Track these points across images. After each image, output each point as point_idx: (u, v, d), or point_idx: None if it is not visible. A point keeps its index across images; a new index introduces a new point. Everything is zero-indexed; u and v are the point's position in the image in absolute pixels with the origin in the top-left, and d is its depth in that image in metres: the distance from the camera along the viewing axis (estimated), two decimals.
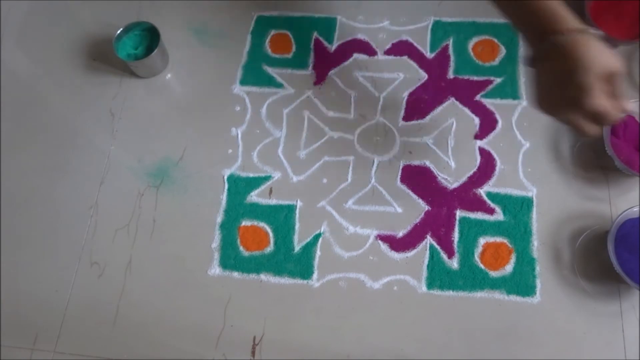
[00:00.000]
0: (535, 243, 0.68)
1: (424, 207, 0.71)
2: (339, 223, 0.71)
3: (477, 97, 0.77)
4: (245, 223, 0.71)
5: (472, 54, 0.80)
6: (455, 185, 0.72)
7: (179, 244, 0.71)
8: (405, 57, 0.80)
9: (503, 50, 0.80)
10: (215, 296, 0.68)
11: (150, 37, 0.80)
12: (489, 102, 0.76)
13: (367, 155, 0.74)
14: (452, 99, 0.77)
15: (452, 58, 0.79)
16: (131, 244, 0.71)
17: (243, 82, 0.80)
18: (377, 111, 0.77)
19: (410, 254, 0.69)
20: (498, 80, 0.78)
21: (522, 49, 0.79)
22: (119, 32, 0.78)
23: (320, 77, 0.79)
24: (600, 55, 0.50)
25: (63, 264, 0.71)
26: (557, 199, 0.70)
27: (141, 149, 0.76)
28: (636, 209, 0.65)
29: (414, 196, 0.72)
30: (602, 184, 0.71)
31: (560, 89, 0.52)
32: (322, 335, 0.65)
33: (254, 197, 0.73)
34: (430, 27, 0.82)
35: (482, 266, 0.68)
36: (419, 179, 0.73)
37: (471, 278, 0.67)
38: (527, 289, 0.66)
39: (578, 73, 0.50)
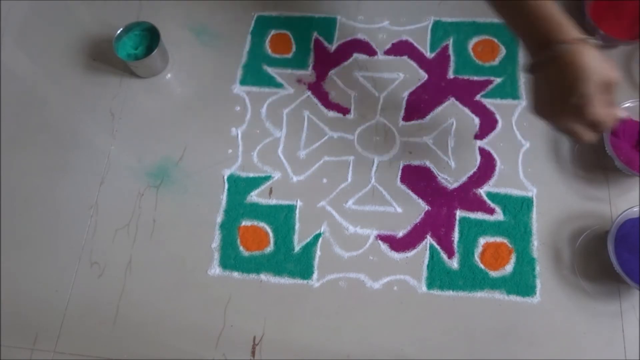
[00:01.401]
0: (535, 243, 0.68)
1: (424, 207, 0.71)
2: (339, 223, 0.71)
3: (477, 97, 0.77)
4: (245, 223, 0.71)
5: (472, 54, 0.80)
6: (455, 185, 0.72)
7: (179, 244, 0.71)
8: (405, 57, 0.80)
9: (503, 50, 0.80)
10: (215, 296, 0.68)
11: (150, 37, 0.80)
12: (489, 102, 0.76)
13: (367, 155, 0.74)
14: (452, 99, 0.77)
15: (452, 58, 0.79)
16: (131, 244, 0.71)
17: (243, 82, 0.80)
18: (377, 111, 0.77)
19: (410, 254, 0.69)
20: (498, 80, 0.78)
21: (523, 55, 0.79)
22: (119, 32, 0.78)
23: (320, 77, 0.79)
24: (600, 65, 0.51)
25: (63, 264, 0.71)
26: (557, 199, 0.70)
27: (141, 149, 0.76)
28: (636, 209, 0.65)
29: (414, 196, 0.72)
30: (602, 184, 0.71)
31: (560, 97, 0.53)
32: (322, 335, 0.65)
33: (254, 197, 0.73)
34: (430, 27, 0.82)
35: (482, 266, 0.68)
36: (419, 179, 0.73)
37: (471, 278, 0.67)
38: (527, 289, 0.66)
39: (580, 82, 0.51)
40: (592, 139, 0.55)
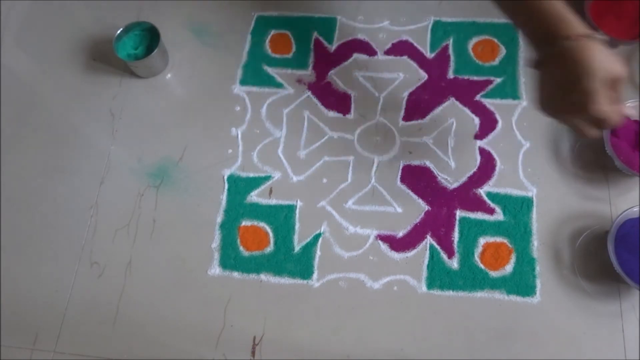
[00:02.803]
0: (535, 243, 0.68)
1: (424, 207, 0.71)
2: (339, 223, 0.71)
3: (477, 97, 0.77)
4: (245, 223, 0.71)
5: (472, 54, 0.80)
6: (455, 185, 0.72)
7: (179, 244, 0.71)
8: (405, 57, 0.80)
9: (503, 50, 0.80)
10: (215, 296, 0.68)
11: (150, 37, 0.80)
12: (489, 102, 0.76)
13: (367, 155, 0.74)
14: (452, 99, 0.77)
15: (452, 58, 0.79)
16: (131, 244, 0.71)
17: (243, 82, 0.80)
18: (377, 111, 0.77)
19: (410, 254, 0.69)
20: (498, 80, 0.78)
21: (525, 51, 0.79)
22: (119, 32, 0.78)
23: (320, 78, 0.79)
24: (606, 61, 0.51)
25: (63, 264, 0.71)
26: (557, 199, 0.70)
27: (141, 149, 0.76)
28: (636, 209, 0.65)
29: (414, 196, 0.72)
30: (602, 184, 0.71)
31: (565, 93, 0.52)
32: (322, 335, 0.65)
33: (254, 197, 0.73)
34: (430, 27, 0.82)
35: (482, 266, 0.68)
36: (419, 179, 0.73)
37: (471, 278, 0.67)
38: (527, 289, 0.66)
39: (584, 78, 0.50)
40: (596, 135, 0.55)
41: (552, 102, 0.55)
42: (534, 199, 0.70)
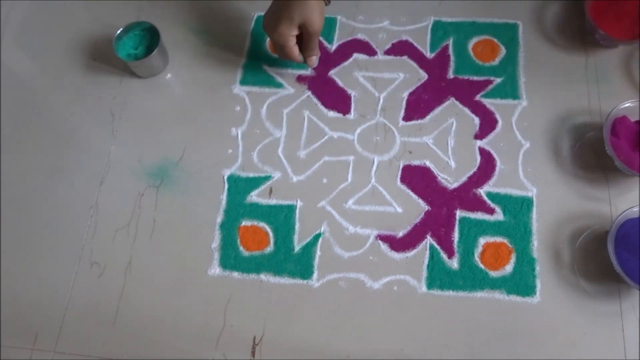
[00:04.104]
0: (535, 243, 0.68)
1: (424, 207, 0.71)
2: (339, 223, 0.71)
3: (477, 97, 0.77)
4: (245, 223, 0.71)
5: (472, 54, 0.80)
6: (455, 185, 0.72)
7: (179, 244, 0.71)
8: (405, 57, 0.80)
9: (503, 50, 0.80)
10: (215, 296, 0.68)
11: (150, 37, 0.80)
12: (489, 102, 0.76)
13: (367, 155, 0.74)
14: (452, 99, 0.77)
15: (452, 58, 0.79)
16: (131, 244, 0.71)
17: (243, 82, 0.80)
18: (377, 111, 0.77)
19: (410, 254, 0.69)
20: (498, 80, 0.78)
21: (525, 51, 0.79)
22: (119, 32, 0.78)
23: (320, 77, 0.79)
24: (311, 11, 0.66)
25: (63, 264, 0.71)
26: (557, 199, 0.70)
27: (141, 149, 0.76)
28: (636, 209, 0.65)
29: (414, 196, 0.72)
30: (602, 184, 0.71)
31: (274, 14, 0.68)
32: (322, 335, 0.65)
33: (254, 197, 0.73)
34: (430, 27, 0.82)
35: (482, 266, 0.68)
36: (419, 179, 0.73)
37: (471, 278, 0.67)
38: (527, 289, 0.66)
39: (287, 7, 0.66)
40: (282, 56, 0.74)
41: (267, 19, 0.70)
42: (534, 199, 0.70)
